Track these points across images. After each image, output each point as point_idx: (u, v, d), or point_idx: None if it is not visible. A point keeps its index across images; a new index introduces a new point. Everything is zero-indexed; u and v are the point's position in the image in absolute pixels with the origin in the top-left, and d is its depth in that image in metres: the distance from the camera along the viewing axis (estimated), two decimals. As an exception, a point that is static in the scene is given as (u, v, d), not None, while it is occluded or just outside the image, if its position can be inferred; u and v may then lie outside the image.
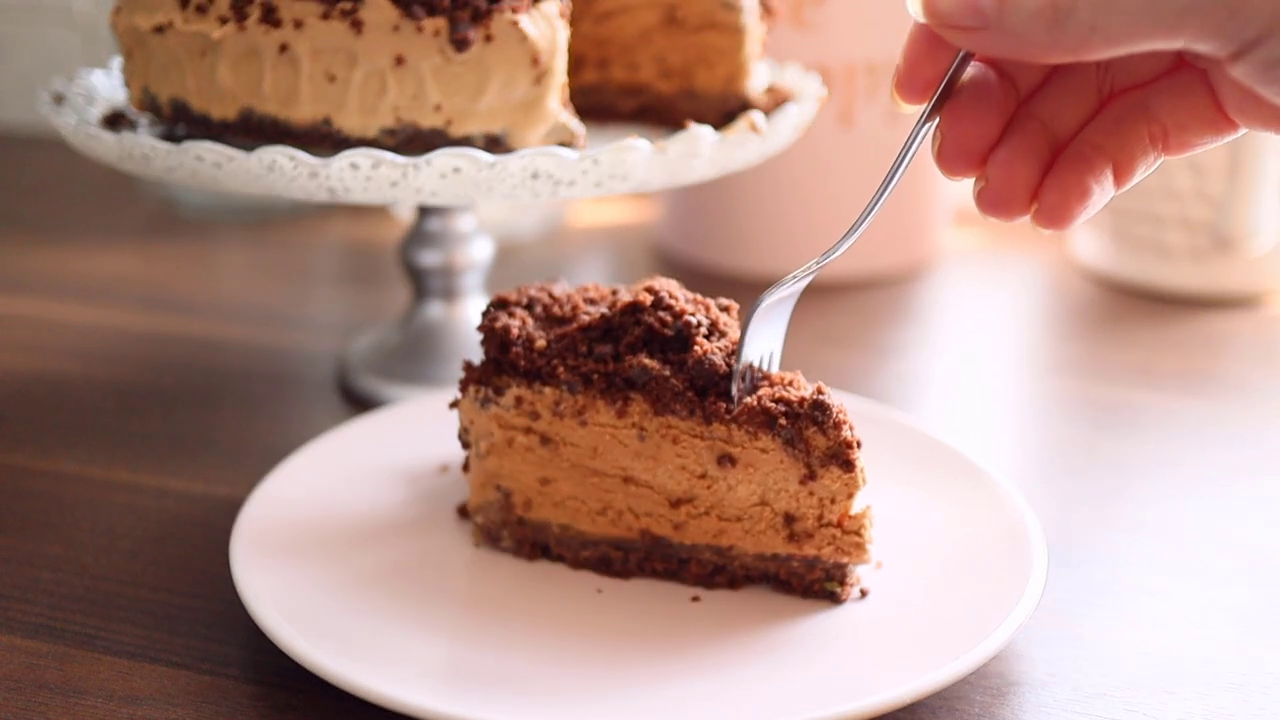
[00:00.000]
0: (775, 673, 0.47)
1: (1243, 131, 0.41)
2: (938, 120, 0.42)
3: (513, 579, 0.54)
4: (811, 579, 0.52)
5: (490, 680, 0.47)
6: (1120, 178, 0.41)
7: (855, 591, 0.52)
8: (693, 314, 0.52)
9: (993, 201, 0.41)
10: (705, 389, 0.51)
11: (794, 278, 0.48)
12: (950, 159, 0.42)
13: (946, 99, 0.41)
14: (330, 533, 0.56)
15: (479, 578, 0.54)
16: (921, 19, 0.39)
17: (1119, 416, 0.73)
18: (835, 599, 0.51)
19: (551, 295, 0.56)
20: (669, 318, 0.52)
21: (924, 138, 0.43)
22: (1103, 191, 0.41)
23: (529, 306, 0.56)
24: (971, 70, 0.41)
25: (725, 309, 0.54)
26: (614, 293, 0.56)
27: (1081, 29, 0.36)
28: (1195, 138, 0.41)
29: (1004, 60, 0.41)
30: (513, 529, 0.55)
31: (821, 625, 0.50)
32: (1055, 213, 0.41)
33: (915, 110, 0.42)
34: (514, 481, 0.55)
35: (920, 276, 0.96)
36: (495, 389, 0.54)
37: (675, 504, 0.53)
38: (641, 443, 0.52)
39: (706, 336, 0.52)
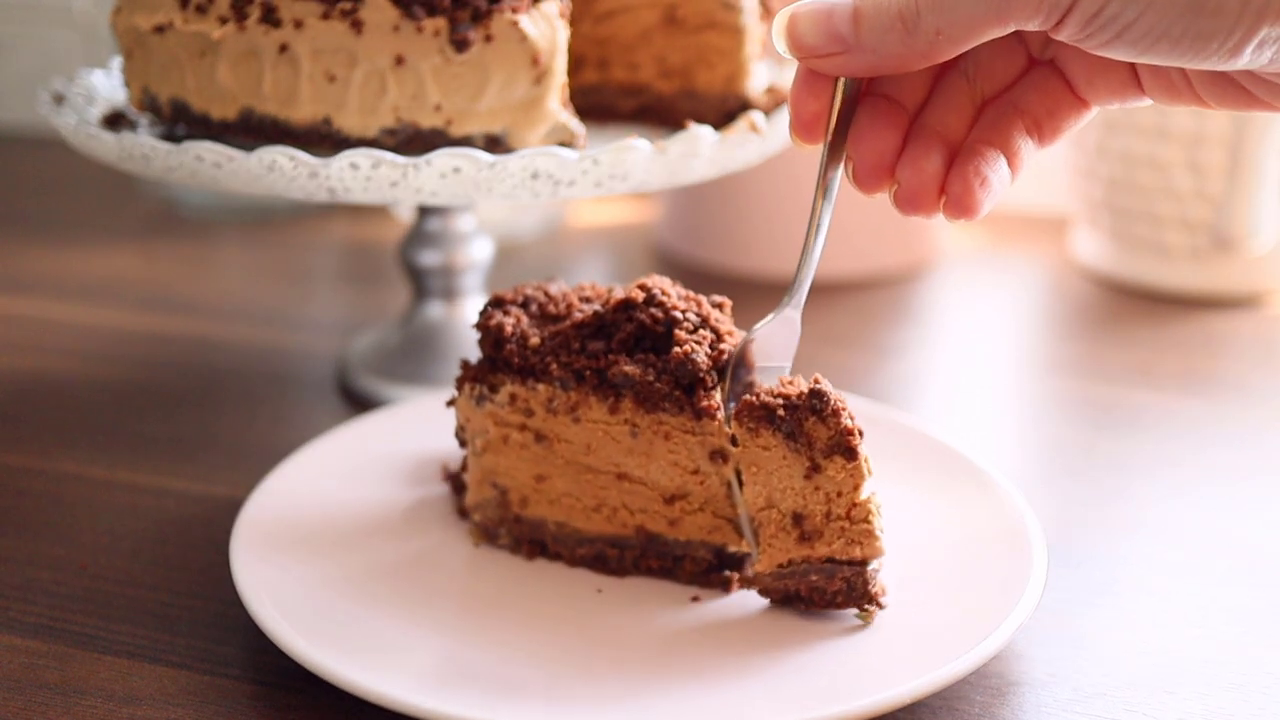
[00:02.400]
0: (775, 673, 0.47)
1: (1095, 110, 0.47)
2: (844, 153, 0.46)
3: (513, 579, 0.54)
4: (832, 591, 0.50)
5: (490, 680, 0.47)
6: (1013, 167, 0.46)
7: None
8: (682, 310, 0.52)
9: (907, 199, 0.45)
10: (692, 386, 0.51)
11: (768, 319, 0.51)
12: (863, 176, 0.46)
13: (845, 132, 0.46)
14: (330, 532, 0.56)
15: (479, 577, 0.54)
16: (789, 55, 0.43)
17: (1119, 416, 0.73)
18: (866, 616, 0.50)
19: (547, 294, 0.56)
20: (660, 314, 0.52)
21: (837, 175, 0.47)
22: (1000, 180, 0.46)
23: (524, 305, 0.56)
24: (861, 104, 0.46)
25: (718, 305, 0.55)
26: (609, 291, 0.56)
27: (929, 33, 0.40)
28: (1061, 122, 0.47)
29: (884, 84, 0.46)
30: (510, 526, 0.56)
31: (821, 625, 0.50)
32: (962, 201, 0.45)
33: (817, 149, 0.47)
34: (510, 479, 0.55)
35: (920, 276, 0.96)
36: (490, 386, 0.54)
37: (669, 500, 0.53)
38: (634, 439, 0.52)
39: (695, 331, 0.52)
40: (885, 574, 0.53)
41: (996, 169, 0.46)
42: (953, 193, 0.45)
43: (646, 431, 0.52)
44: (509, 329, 0.54)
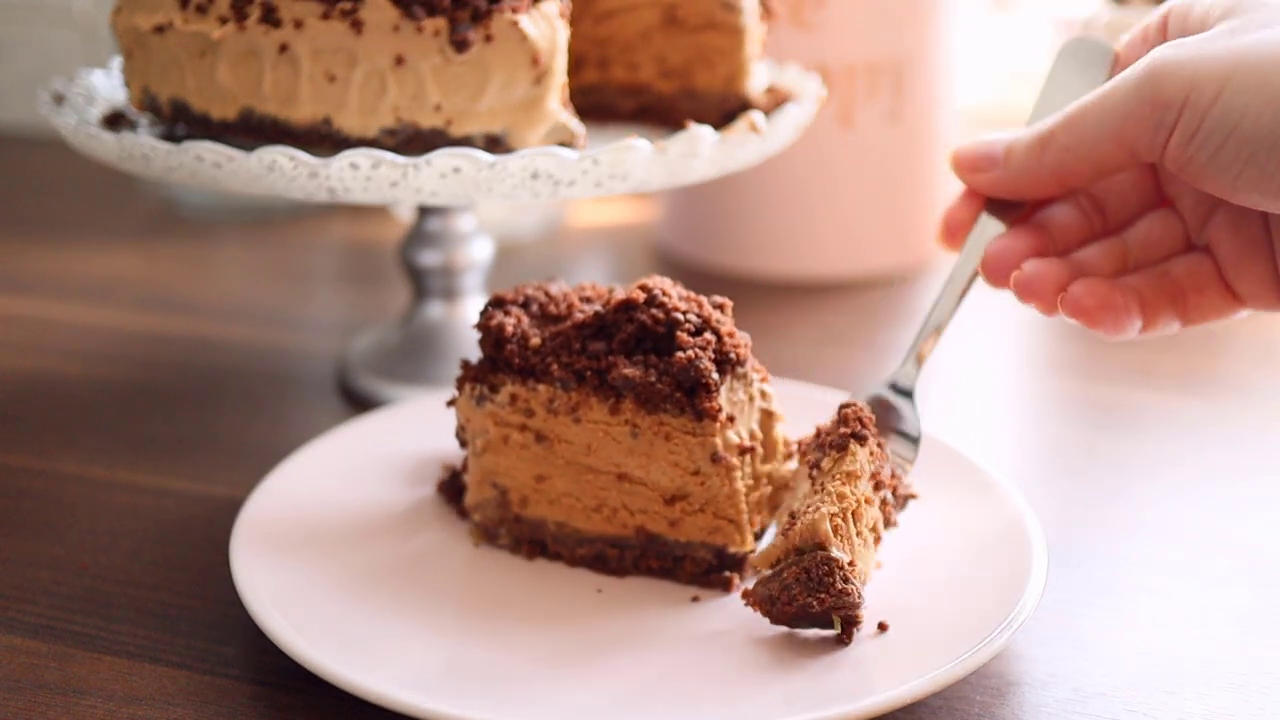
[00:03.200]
0: (775, 673, 0.47)
1: (1245, 312, 0.51)
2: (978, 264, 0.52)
3: (513, 578, 0.54)
4: (793, 580, 0.48)
5: (490, 680, 0.47)
6: (1145, 323, 0.50)
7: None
8: (683, 311, 0.52)
9: (1025, 285, 0.50)
10: (694, 389, 0.51)
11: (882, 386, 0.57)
12: (991, 267, 0.51)
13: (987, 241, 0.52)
14: (330, 532, 0.56)
15: (479, 577, 0.54)
16: (952, 172, 0.52)
17: (1119, 416, 0.73)
18: (843, 635, 0.48)
19: (548, 294, 0.56)
20: (661, 315, 0.52)
21: (969, 281, 0.54)
22: (1128, 312, 0.49)
23: (525, 305, 0.56)
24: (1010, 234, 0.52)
25: (719, 306, 0.55)
26: (610, 291, 0.56)
27: (1059, 151, 0.48)
28: (1205, 301, 0.50)
29: (1041, 220, 0.52)
30: (510, 526, 0.56)
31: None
32: (1080, 303, 0.49)
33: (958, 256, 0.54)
34: (510, 479, 0.55)
35: (920, 276, 0.96)
36: (490, 386, 0.54)
37: (670, 501, 0.53)
38: (635, 440, 0.52)
39: (696, 333, 0.52)
40: (886, 574, 0.53)
41: (1128, 298, 0.49)
42: (1073, 292, 0.49)
43: (647, 432, 0.52)
44: (509, 329, 0.54)
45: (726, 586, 0.53)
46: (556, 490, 0.54)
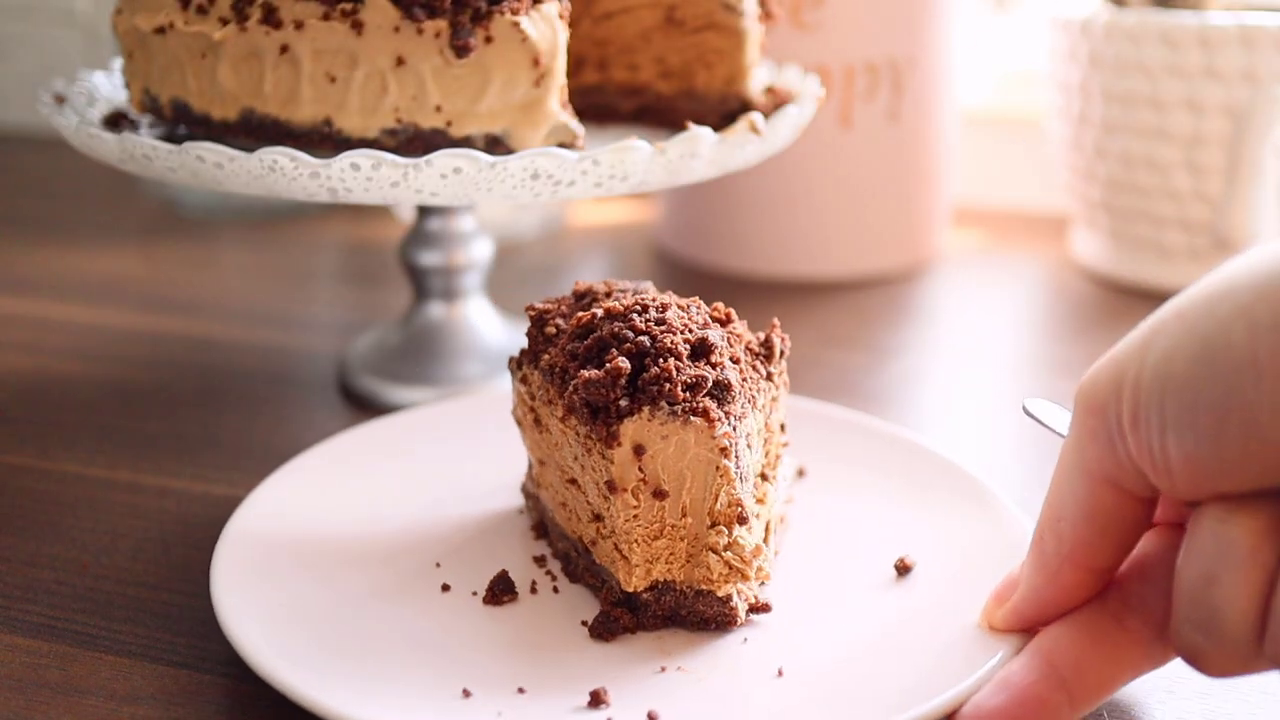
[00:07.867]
0: (777, 681, 0.46)
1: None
2: None
3: (509, 603, 0.52)
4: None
5: (488, 692, 0.46)
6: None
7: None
8: (669, 331, 0.49)
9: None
10: (597, 408, 0.48)
11: None
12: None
13: None
14: (318, 549, 0.54)
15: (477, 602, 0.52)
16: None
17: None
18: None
19: (609, 291, 0.54)
20: (636, 333, 0.48)
21: None
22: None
23: (580, 297, 0.55)
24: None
25: (720, 320, 0.52)
26: (683, 302, 0.52)
27: (1053, 554, 0.44)
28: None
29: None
30: (533, 503, 0.57)
31: (822, 639, 0.49)
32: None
33: None
34: (533, 455, 0.55)
35: (920, 276, 0.96)
36: (525, 367, 0.54)
37: (593, 518, 0.51)
38: (577, 446, 0.50)
39: (694, 357, 0.48)
40: (887, 586, 0.52)
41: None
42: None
43: (586, 442, 0.49)
44: (545, 315, 0.53)
45: (610, 635, 0.49)
46: (546, 478, 0.54)
